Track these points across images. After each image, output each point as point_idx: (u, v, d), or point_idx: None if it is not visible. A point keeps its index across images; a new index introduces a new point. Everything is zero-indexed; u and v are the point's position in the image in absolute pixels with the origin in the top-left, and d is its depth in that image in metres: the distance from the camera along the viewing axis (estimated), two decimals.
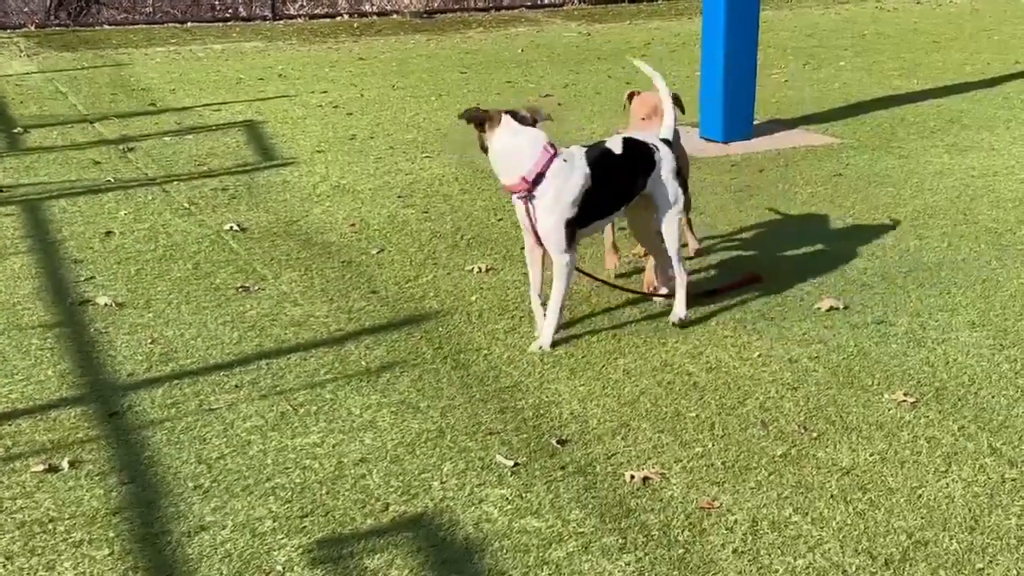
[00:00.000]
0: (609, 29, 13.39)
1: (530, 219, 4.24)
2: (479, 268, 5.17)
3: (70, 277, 5.06)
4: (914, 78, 9.83)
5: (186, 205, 6.19)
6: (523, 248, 4.59)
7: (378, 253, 5.42)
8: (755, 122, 7.84)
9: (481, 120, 4.27)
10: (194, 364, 4.15)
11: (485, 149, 4.34)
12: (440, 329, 4.50)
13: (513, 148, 4.21)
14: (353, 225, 5.86)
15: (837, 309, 4.63)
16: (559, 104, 8.91)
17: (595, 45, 12.17)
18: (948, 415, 3.70)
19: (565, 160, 4.19)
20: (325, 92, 9.45)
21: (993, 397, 3.82)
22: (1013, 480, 3.31)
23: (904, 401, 3.79)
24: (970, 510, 3.16)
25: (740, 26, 7.54)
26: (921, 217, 5.86)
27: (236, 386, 3.97)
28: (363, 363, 4.18)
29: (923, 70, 10.24)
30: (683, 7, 15.04)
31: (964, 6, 15.08)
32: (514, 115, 4.25)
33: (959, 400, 3.81)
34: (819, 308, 4.64)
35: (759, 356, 4.21)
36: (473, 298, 4.82)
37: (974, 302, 4.69)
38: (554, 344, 4.29)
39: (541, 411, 3.79)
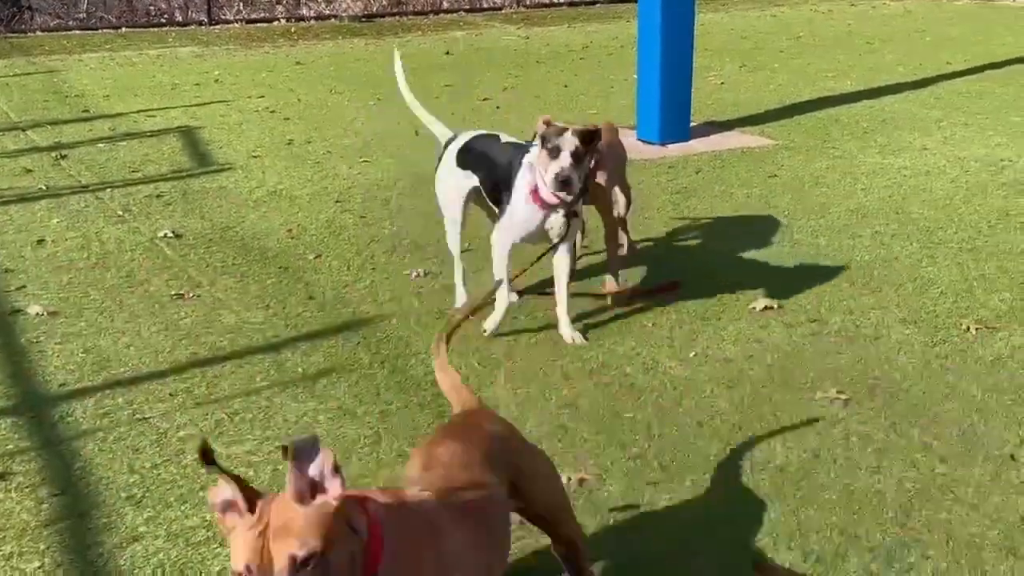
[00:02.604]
0: (548, 32, 13.43)
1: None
2: (417, 273, 5.16)
3: (1, 286, 4.97)
4: (848, 79, 9.96)
5: (120, 212, 6.11)
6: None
7: (315, 259, 5.39)
8: (692, 124, 7.90)
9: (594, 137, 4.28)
10: (128, 373, 4.11)
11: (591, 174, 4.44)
12: (378, 334, 4.49)
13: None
14: (290, 231, 5.83)
15: (772, 308, 4.68)
16: (497, 108, 8.92)
17: (534, 48, 12.20)
18: (880, 412, 3.75)
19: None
20: (262, 97, 9.39)
21: (924, 393, 3.88)
22: (943, 475, 3.35)
23: (837, 399, 3.84)
24: (901, 505, 3.20)
25: (676, 29, 7.60)
26: (854, 217, 5.94)
27: (170, 395, 3.93)
28: (300, 369, 4.15)
29: (857, 71, 10.37)
30: (620, 11, 15.11)
31: (897, 8, 15.31)
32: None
33: (891, 397, 3.86)
34: (754, 308, 4.68)
35: (695, 356, 4.24)
36: (411, 303, 4.81)
37: (906, 300, 4.76)
38: (492, 348, 4.30)
39: None
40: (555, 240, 4.40)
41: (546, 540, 2.74)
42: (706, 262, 5.28)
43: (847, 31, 13.26)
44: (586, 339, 4.35)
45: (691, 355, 4.24)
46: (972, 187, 6.40)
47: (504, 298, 4.43)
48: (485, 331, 4.41)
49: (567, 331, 4.38)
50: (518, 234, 4.38)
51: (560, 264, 4.44)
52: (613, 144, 5.04)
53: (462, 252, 4.78)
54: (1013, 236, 5.53)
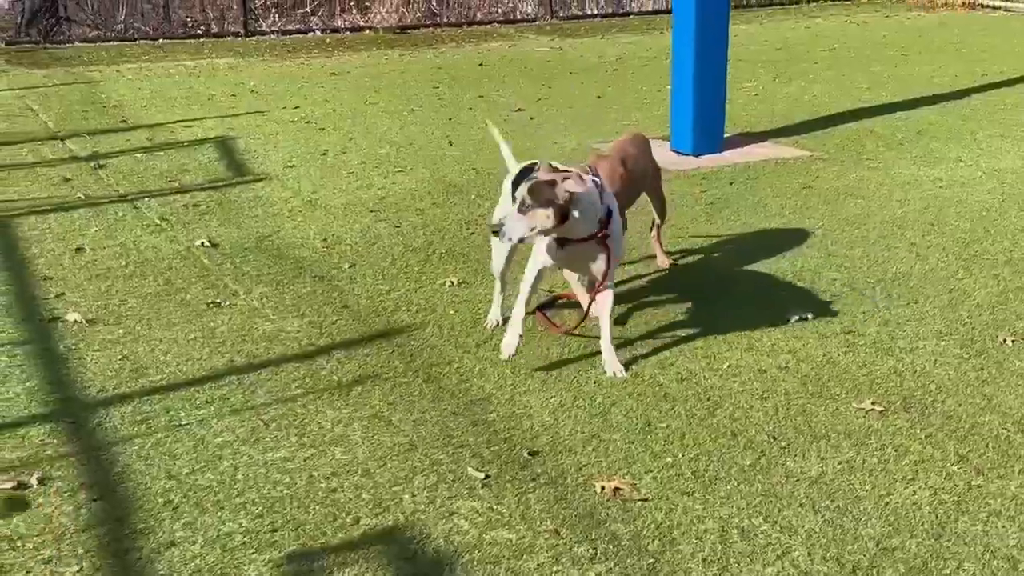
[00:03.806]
0: (581, 44, 13.45)
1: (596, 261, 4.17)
2: (451, 282, 5.18)
3: (40, 294, 5.03)
4: (882, 90, 9.92)
5: (157, 221, 6.17)
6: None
7: (350, 268, 5.42)
8: (725, 135, 7.89)
9: (552, 184, 3.91)
10: (164, 380, 4.14)
11: (565, 215, 3.94)
12: (412, 343, 4.51)
13: (590, 197, 4.00)
14: (325, 240, 5.86)
15: (806, 319, 4.66)
16: (531, 118, 8.95)
17: (567, 59, 12.23)
18: (916, 423, 3.73)
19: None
20: (297, 108, 9.45)
21: (960, 405, 3.86)
22: (979, 487, 3.34)
23: (872, 410, 3.83)
24: (937, 517, 3.18)
25: (710, 40, 7.60)
26: (890, 228, 5.91)
27: (207, 401, 3.97)
28: (334, 377, 4.18)
29: (891, 83, 10.33)
30: (655, 22, 15.13)
31: (932, 20, 15.23)
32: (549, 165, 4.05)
33: (926, 408, 3.84)
34: (789, 318, 4.67)
35: (729, 367, 4.23)
36: (445, 312, 4.83)
37: (942, 311, 4.73)
38: (526, 356, 4.31)
39: (512, 423, 3.80)
40: (593, 271, 4.27)
41: None
42: (740, 273, 5.27)
43: (882, 42, 13.20)
44: (626, 373, 4.22)
45: (725, 366, 4.24)
46: (1008, 199, 6.36)
47: (518, 323, 4.25)
48: (502, 357, 4.25)
49: (610, 365, 4.24)
50: (542, 262, 4.25)
51: (601, 299, 4.30)
52: (630, 154, 5.01)
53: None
54: None
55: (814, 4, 16.97)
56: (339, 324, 4.71)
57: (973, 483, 3.36)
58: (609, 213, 4.11)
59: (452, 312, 4.83)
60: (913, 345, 4.39)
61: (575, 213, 3.96)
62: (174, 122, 8.84)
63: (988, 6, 15.84)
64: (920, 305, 4.81)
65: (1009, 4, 15.77)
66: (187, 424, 3.79)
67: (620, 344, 4.43)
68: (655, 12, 16.08)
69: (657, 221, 5.33)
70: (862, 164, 7.30)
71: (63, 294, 5.03)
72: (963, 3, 16.09)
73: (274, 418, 3.84)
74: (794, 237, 5.79)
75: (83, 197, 6.64)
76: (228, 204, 6.52)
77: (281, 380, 4.16)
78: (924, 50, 12.48)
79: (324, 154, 7.78)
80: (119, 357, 4.34)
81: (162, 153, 7.79)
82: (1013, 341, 4.37)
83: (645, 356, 4.34)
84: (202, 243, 5.75)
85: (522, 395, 4.02)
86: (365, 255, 5.62)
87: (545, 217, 3.92)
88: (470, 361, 4.32)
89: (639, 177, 5.03)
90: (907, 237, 5.74)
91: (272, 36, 13.98)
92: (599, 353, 4.34)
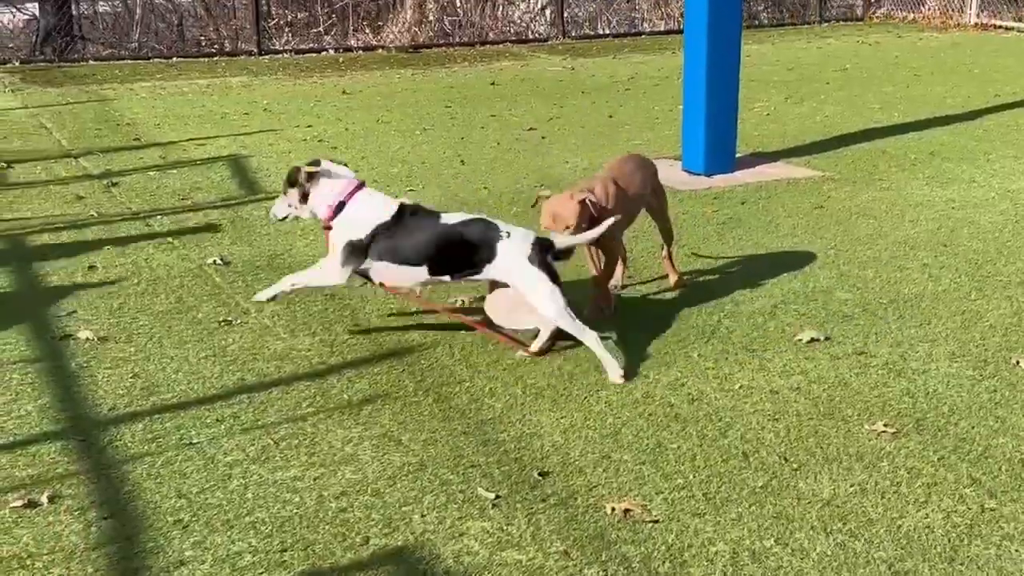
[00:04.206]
0: (593, 63, 13.47)
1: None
2: (461, 301, 5.18)
3: (52, 311, 5.05)
4: (895, 111, 9.91)
5: (169, 239, 6.19)
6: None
7: (360, 287, 5.42)
8: (737, 155, 7.89)
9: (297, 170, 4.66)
10: (175, 398, 4.15)
11: (306, 196, 4.68)
12: (422, 362, 4.51)
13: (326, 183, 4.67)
14: None
15: (818, 340, 4.65)
16: (543, 138, 8.96)
17: (579, 79, 12.25)
18: (928, 446, 3.71)
19: None
20: (310, 126, 9.48)
21: (973, 428, 3.84)
22: (992, 511, 3.31)
23: (884, 432, 3.81)
24: (950, 540, 3.16)
25: (722, 60, 7.60)
26: (902, 248, 5.90)
27: (217, 420, 3.97)
28: (345, 396, 4.18)
29: (904, 103, 10.32)
30: (666, 42, 15.15)
31: (944, 41, 15.23)
32: None
33: (939, 431, 3.82)
34: (800, 339, 4.66)
35: (740, 387, 4.22)
36: (456, 331, 4.83)
37: (954, 333, 4.71)
38: (536, 376, 4.31)
39: (522, 443, 3.79)
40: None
41: None
42: (752, 292, 5.26)
43: (894, 63, 13.20)
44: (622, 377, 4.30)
45: (736, 386, 4.22)
46: (1022, 220, 6.34)
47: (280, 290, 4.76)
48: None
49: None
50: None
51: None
52: (624, 174, 5.02)
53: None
54: None
55: (826, 24, 16.99)
56: (350, 343, 4.71)
57: (986, 506, 3.34)
58: (341, 205, 4.56)
59: (462, 331, 4.83)
60: (926, 366, 4.37)
61: (313, 193, 4.62)
62: (187, 140, 8.87)
63: (1001, 27, 15.83)
64: (933, 326, 4.79)
65: (1022, 25, 15.76)
66: (197, 443, 3.79)
67: (632, 365, 4.42)
68: (667, 32, 16.11)
69: (664, 242, 5.33)
70: (874, 184, 7.29)
71: (75, 312, 5.04)
72: (975, 24, 16.09)
73: (284, 437, 3.83)
74: (806, 257, 5.77)
75: (96, 215, 6.67)
76: (240, 222, 6.54)
77: (292, 399, 4.15)
78: (936, 71, 12.47)
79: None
80: (130, 375, 4.35)
81: (175, 171, 7.82)
82: None
83: (656, 376, 4.33)
84: (214, 261, 5.76)
85: (533, 415, 4.01)
86: None
87: (294, 196, 4.66)
88: (480, 381, 4.31)
89: (634, 197, 5.01)
90: (919, 258, 5.73)
91: (285, 55, 14.04)
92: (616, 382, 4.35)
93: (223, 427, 3.91)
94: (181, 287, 5.40)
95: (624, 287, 5.29)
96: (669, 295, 5.24)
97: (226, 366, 4.45)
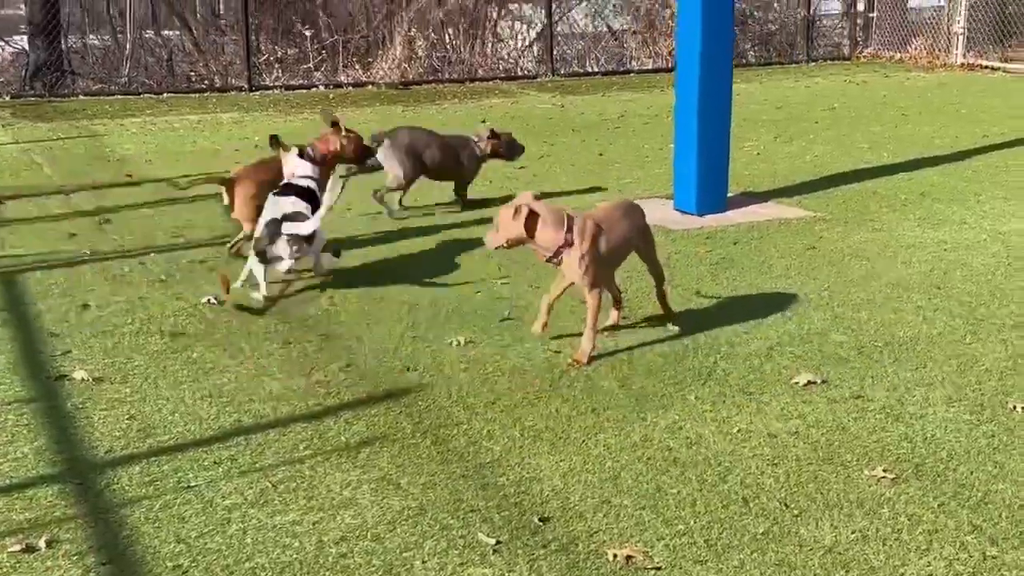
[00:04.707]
0: (583, 101, 13.55)
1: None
2: (458, 341, 5.18)
3: (46, 351, 5.02)
4: (884, 151, 9.98)
5: (163, 277, 6.18)
6: (502, 320, 5.19)
7: (357, 325, 5.42)
8: (728, 195, 7.92)
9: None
10: (172, 440, 4.12)
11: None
12: (420, 403, 4.50)
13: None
14: (331, 297, 5.86)
15: (815, 383, 4.66)
16: (534, 176, 8.98)
17: (569, 117, 12.31)
18: (928, 492, 3.71)
19: None
20: None
21: (972, 473, 3.84)
22: (994, 558, 3.31)
23: (884, 477, 3.81)
24: None
25: (714, 99, 7.65)
26: (896, 290, 5.92)
27: (215, 463, 3.94)
28: (342, 438, 4.16)
29: (893, 143, 10.39)
30: (655, 80, 15.25)
31: (931, 80, 15.36)
32: None
33: (938, 476, 3.82)
34: (797, 382, 4.67)
35: (739, 431, 4.22)
36: (452, 371, 4.82)
37: (950, 377, 4.73)
38: (534, 418, 4.31)
39: (522, 487, 3.77)
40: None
41: None
42: (747, 334, 5.27)
43: (882, 102, 13.30)
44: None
45: (735, 430, 4.22)
46: (1014, 262, 6.38)
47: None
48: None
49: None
50: None
51: None
52: (612, 219, 5.06)
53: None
54: None
55: (813, 64, 17.13)
56: (346, 383, 4.70)
57: (988, 553, 3.34)
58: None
59: (460, 372, 4.82)
60: (923, 411, 4.38)
61: None
62: (179, 176, 8.86)
63: (987, 67, 15.99)
64: (928, 370, 4.81)
65: (1007, 65, 15.92)
66: (195, 486, 3.76)
67: (629, 408, 4.42)
68: (655, 70, 16.22)
69: (654, 284, 5.38)
70: (865, 225, 7.33)
71: (70, 351, 5.02)
72: (962, 64, 16.25)
73: (282, 480, 3.81)
74: (800, 298, 5.79)
75: (89, 253, 6.65)
76: (234, 260, 6.52)
77: (289, 441, 4.14)
78: (924, 111, 12.57)
79: (329, 210, 7.78)
80: (126, 417, 4.32)
81: (168, 208, 7.81)
82: (1023, 408, 4.36)
83: (654, 419, 4.32)
84: (208, 300, 5.75)
85: (532, 458, 4.00)
86: (372, 313, 5.62)
87: None
88: (479, 423, 4.30)
89: (618, 240, 5.02)
90: (913, 300, 5.75)
91: (276, 91, 14.08)
92: (608, 409, 4.36)
93: (221, 470, 3.89)
94: (176, 326, 5.39)
95: (618, 327, 5.29)
96: (666, 336, 5.24)
97: (222, 407, 4.43)
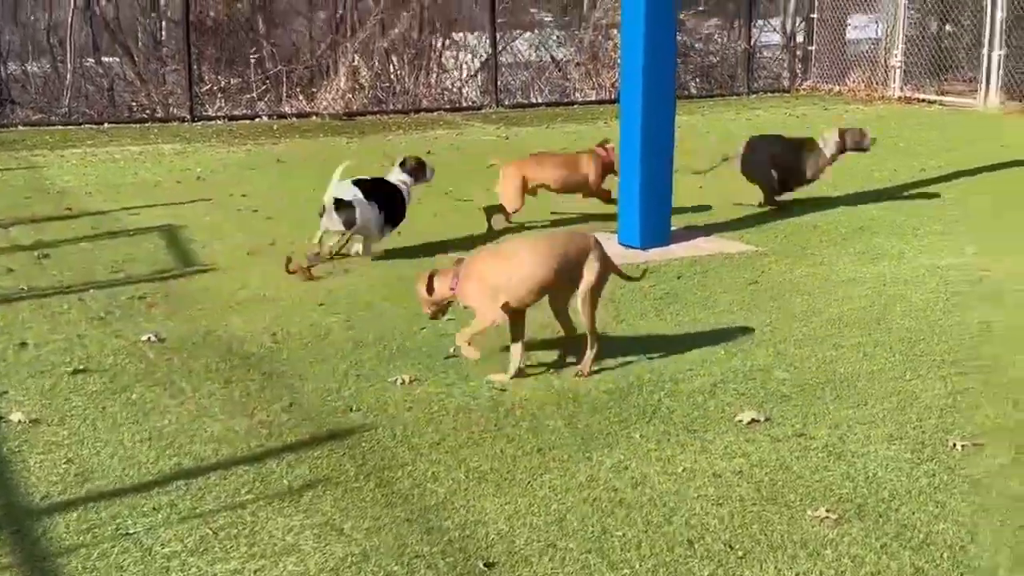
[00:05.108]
0: (527, 132, 13.59)
1: None
2: (403, 380, 5.15)
3: None
4: (823, 184, 10.06)
5: (102, 314, 6.09)
6: (447, 357, 5.28)
7: (300, 364, 5.37)
8: (672, 228, 7.97)
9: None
10: (111, 485, 4.05)
11: None
12: (363, 444, 4.46)
13: None
14: (274, 335, 5.81)
15: (758, 421, 4.68)
16: (480, 209, 8.97)
17: (514, 148, 12.31)
18: (871, 532, 3.74)
19: None
20: (245, 196, 9.42)
21: (914, 513, 3.87)
22: None
23: (827, 518, 3.83)
24: None
25: (656, 132, 7.71)
26: (836, 326, 5.98)
27: (154, 508, 3.88)
28: (285, 482, 4.11)
29: (832, 176, 10.48)
30: (598, 111, 15.33)
31: (870, 113, 15.58)
32: None
33: (880, 517, 3.85)
34: (741, 420, 4.69)
35: (683, 470, 4.22)
36: (397, 411, 4.79)
37: (891, 414, 4.77)
38: (479, 459, 4.29)
39: (467, 531, 3.75)
40: None
41: None
42: (691, 371, 5.29)
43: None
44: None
45: (679, 469, 4.23)
46: (952, 297, 6.47)
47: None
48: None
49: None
50: None
51: None
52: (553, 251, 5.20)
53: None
54: (994, 349, 5.58)
55: (754, 96, 17.34)
56: (289, 424, 4.65)
57: None
58: None
59: (405, 411, 4.79)
60: (864, 449, 4.41)
61: None
62: (120, 209, 8.77)
63: (924, 100, 16.27)
64: (869, 407, 4.85)
65: (943, 98, 16.21)
66: (134, 533, 3.70)
67: (575, 447, 4.41)
68: (598, 102, 16.32)
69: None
70: (806, 259, 7.40)
71: (6, 392, 4.93)
72: (899, 97, 16.52)
73: (223, 526, 3.76)
74: (743, 334, 5.83)
75: (26, 289, 6.55)
76: (175, 296, 6.46)
77: (230, 485, 4.08)
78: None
79: (272, 244, 7.75)
80: (64, 460, 4.24)
81: (108, 242, 7.72)
82: (963, 446, 4.41)
83: (599, 458, 4.32)
84: (148, 338, 5.67)
85: (477, 500, 3.97)
86: (315, 351, 5.57)
87: None
88: (423, 464, 4.28)
89: (549, 271, 5.12)
90: (853, 336, 5.81)
91: (219, 121, 13.98)
92: (554, 448, 4.35)
93: (160, 516, 3.83)
94: (115, 365, 5.31)
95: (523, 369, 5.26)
96: (610, 373, 5.25)
97: (162, 450, 4.36)
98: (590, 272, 5.20)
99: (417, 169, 7.88)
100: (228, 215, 8.66)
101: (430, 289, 5.29)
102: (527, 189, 8.48)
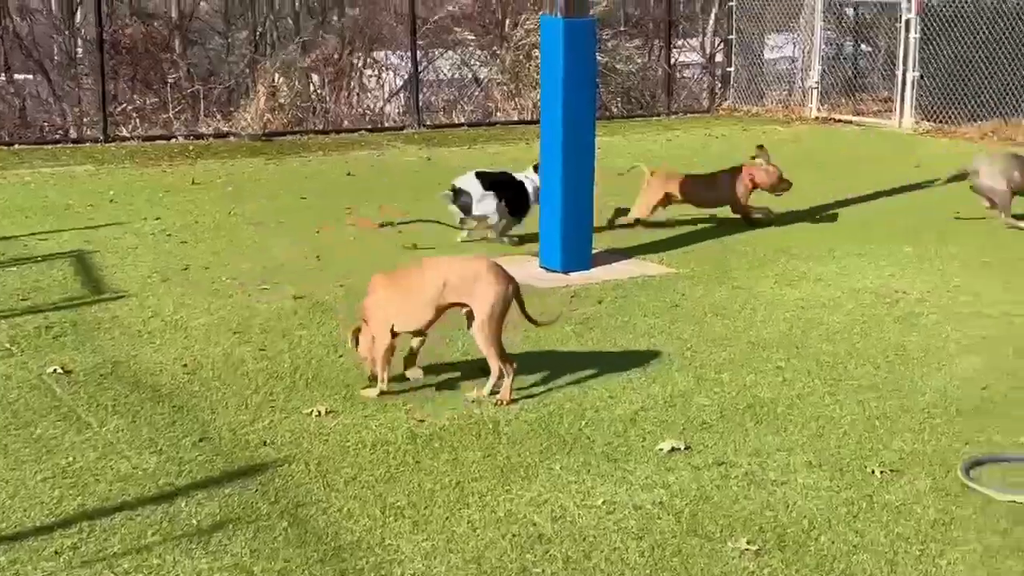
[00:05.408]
0: (450, 153, 13.51)
1: None
2: (318, 411, 5.03)
3: None
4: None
5: (7, 345, 5.88)
6: (364, 388, 5.12)
7: (212, 395, 5.23)
8: (593, 251, 7.94)
9: None
10: (11, 528, 3.89)
11: None
12: (277, 480, 4.34)
13: None
14: (185, 365, 5.66)
15: (679, 449, 4.65)
16: (399, 232, 8.89)
17: (436, 170, 12.22)
18: (791, 563, 3.71)
19: None
20: (159, 219, 9.22)
21: (833, 543, 3.86)
22: None
23: (747, 550, 3.79)
24: None
25: (577, 154, 7.67)
26: (756, 350, 5.98)
27: (56, 552, 3.73)
28: (194, 521, 3.98)
29: (750, 198, 10.56)
30: (520, 132, 15.29)
31: (787, 134, 15.74)
32: None
33: (800, 547, 3.82)
34: (661, 449, 4.65)
35: (604, 503, 4.17)
36: (312, 444, 4.67)
37: (811, 440, 4.77)
38: (396, 494, 4.20)
39: (382, 571, 3.66)
40: None
41: None
42: (612, 398, 5.24)
43: (740, 157, 13.54)
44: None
45: (600, 502, 4.17)
46: (869, 320, 6.51)
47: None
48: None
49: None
50: None
51: None
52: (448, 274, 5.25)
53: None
54: (911, 372, 5.62)
55: (674, 116, 17.43)
56: (199, 460, 4.52)
57: None
58: None
59: (320, 445, 4.68)
60: (785, 477, 4.39)
61: None
62: (28, 234, 8.52)
63: (840, 120, 16.48)
64: (789, 433, 4.84)
65: (859, 118, 16.44)
66: None
67: (494, 480, 4.34)
68: (519, 122, 16.29)
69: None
70: (726, 282, 7.41)
71: None
72: (816, 117, 16.72)
73: (128, 571, 3.62)
74: (664, 359, 5.80)
75: None
76: (84, 326, 6.27)
77: (137, 525, 3.94)
78: (781, 165, 12.84)
79: (186, 269, 7.58)
80: None
81: (14, 268, 7.48)
82: (881, 472, 4.41)
83: (519, 491, 4.25)
84: (55, 370, 5.49)
85: (393, 538, 3.88)
86: (228, 382, 5.43)
87: None
88: (339, 500, 4.17)
89: (425, 297, 5.18)
90: (773, 360, 5.81)
91: (133, 142, 13.68)
92: (473, 481, 4.27)
93: (62, 560, 3.68)
94: (18, 399, 5.12)
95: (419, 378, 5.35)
96: (531, 401, 5.18)
97: (66, 489, 4.20)
98: (478, 300, 5.13)
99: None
100: (141, 239, 8.46)
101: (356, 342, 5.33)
102: (666, 204, 9.13)
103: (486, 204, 8.35)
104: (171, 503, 4.12)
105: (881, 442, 4.74)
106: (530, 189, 8.52)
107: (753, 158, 9.34)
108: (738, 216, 9.26)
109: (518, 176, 8.64)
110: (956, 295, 7.04)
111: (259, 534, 3.89)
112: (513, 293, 5.20)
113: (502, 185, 8.47)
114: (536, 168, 8.42)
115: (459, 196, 8.36)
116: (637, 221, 9.11)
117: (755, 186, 9.16)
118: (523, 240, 8.48)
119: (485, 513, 4.08)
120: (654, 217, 9.16)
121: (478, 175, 8.47)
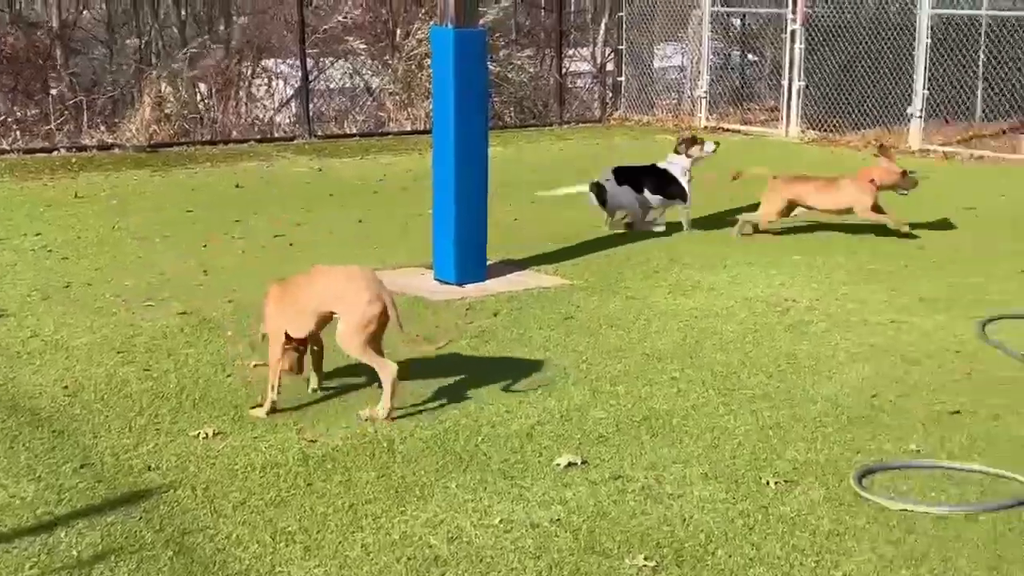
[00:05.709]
0: (341, 164, 13.36)
1: None
2: (205, 434, 4.88)
3: None
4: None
5: None
6: (253, 407, 5.06)
7: (94, 418, 5.04)
8: (488, 262, 7.89)
9: None
10: None
11: None
12: (162, 507, 4.19)
13: None
14: (66, 387, 5.46)
15: (576, 464, 4.61)
16: (290, 244, 8.74)
17: (327, 181, 12.08)
18: None
19: None
20: (39, 235, 8.92)
21: (730, 557, 3.85)
22: None
23: (645, 566, 3.76)
24: None
25: (469, 164, 7.61)
26: (650, 361, 5.98)
27: None
28: (74, 553, 3.82)
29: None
30: (413, 142, 15.20)
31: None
32: None
33: (698, 562, 3.81)
34: (558, 464, 4.61)
35: (500, 522, 4.10)
36: (199, 468, 4.53)
37: (706, 452, 4.77)
38: (287, 519, 4.08)
39: None
40: None
41: None
42: (508, 413, 5.19)
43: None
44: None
45: (496, 521, 4.11)
46: (761, 329, 6.57)
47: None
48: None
49: None
50: None
51: None
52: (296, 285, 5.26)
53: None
54: (802, 381, 5.67)
55: (567, 126, 17.50)
56: (80, 487, 4.34)
57: None
58: None
59: (208, 469, 4.54)
60: (681, 490, 4.38)
61: None
62: None
63: (728, 129, 16.71)
64: (685, 445, 4.84)
65: (747, 127, 16.69)
66: None
67: (389, 501, 4.24)
68: (412, 132, 16.19)
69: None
70: (620, 293, 7.42)
71: None
72: (705, 127, 16.93)
73: None
74: (560, 372, 5.77)
75: None
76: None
77: (13, 559, 3.77)
78: None
79: (67, 287, 7.34)
80: None
81: None
82: (776, 483, 4.43)
83: (414, 512, 4.16)
84: None
85: (284, 565, 3.77)
86: (110, 404, 5.25)
87: None
88: (227, 526, 4.04)
89: (301, 308, 5.15)
90: (668, 371, 5.82)
91: (12, 154, 13.26)
92: (367, 503, 4.18)
93: None
94: None
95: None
96: (426, 417, 5.10)
97: None
98: (343, 310, 5.07)
99: (687, 144, 9.43)
100: (20, 256, 8.18)
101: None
102: (788, 212, 9.22)
103: (623, 197, 9.21)
104: (50, 533, 3.94)
105: (775, 452, 4.76)
106: (676, 172, 9.23)
107: (875, 156, 9.33)
108: (868, 221, 9.08)
109: (660, 165, 9.31)
110: (844, 303, 7.15)
111: (143, 564, 3.74)
112: (382, 311, 5.03)
113: (639, 177, 9.26)
114: (677, 150, 9.28)
115: (595, 189, 9.26)
116: (757, 229, 9.24)
117: (878, 187, 8.97)
118: (670, 230, 9.21)
119: (379, 536, 3.98)
120: (779, 224, 9.26)
121: (615, 171, 9.29)
